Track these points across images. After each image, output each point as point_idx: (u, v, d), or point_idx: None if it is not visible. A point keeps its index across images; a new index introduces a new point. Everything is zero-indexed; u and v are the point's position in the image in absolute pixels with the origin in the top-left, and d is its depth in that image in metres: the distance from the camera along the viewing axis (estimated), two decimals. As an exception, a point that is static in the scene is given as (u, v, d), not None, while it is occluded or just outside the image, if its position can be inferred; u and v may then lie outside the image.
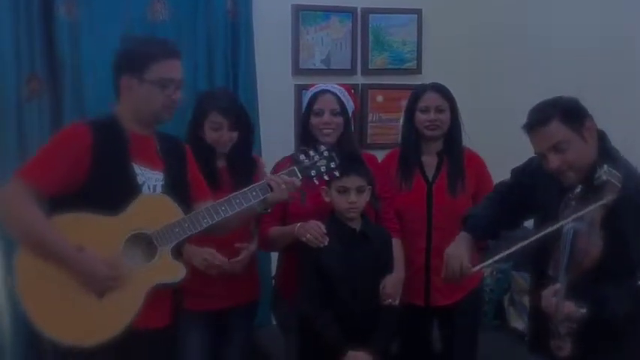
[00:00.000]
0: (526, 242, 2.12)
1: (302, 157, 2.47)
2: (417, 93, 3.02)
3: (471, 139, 3.09)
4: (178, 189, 2.30)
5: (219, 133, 2.84)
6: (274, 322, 3.21)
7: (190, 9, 3.55)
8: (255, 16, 3.69)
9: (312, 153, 2.48)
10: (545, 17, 3.68)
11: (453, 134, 3.00)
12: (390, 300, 2.72)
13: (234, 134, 2.87)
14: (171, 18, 3.52)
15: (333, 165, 2.48)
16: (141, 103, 2.24)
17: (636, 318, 2.07)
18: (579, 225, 1.97)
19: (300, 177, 2.44)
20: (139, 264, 2.20)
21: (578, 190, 2.08)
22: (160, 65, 2.22)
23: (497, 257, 2.20)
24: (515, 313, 3.52)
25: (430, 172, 3.00)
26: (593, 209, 1.98)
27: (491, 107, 3.94)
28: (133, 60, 2.23)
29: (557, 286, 1.94)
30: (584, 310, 1.91)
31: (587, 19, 3.42)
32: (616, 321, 2.00)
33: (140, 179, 2.23)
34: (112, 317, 2.13)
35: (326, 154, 2.49)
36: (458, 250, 2.38)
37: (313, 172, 2.46)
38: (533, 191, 2.33)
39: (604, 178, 2.00)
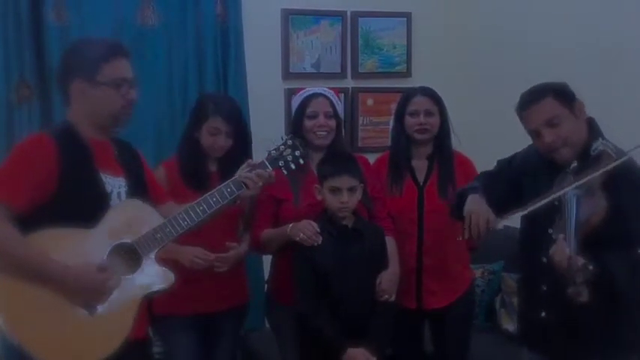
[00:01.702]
0: (527, 210, 2.15)
1: (271, 147, 2.52)
2: (406, 97, 3.02)
3: (462, 142, 3.10)
4: (140, 193, 2.25)
5: (216, 139, 2.83)
6: (267, 326, 3.21)
7: (180, 13, 3.55)
8: (244, 21, 3.69)
9: (277, 143, 2.52)
10: (536, 20, 3.69)
11: (442, 137, 3.01)
12: (386, 296, 2.73)
13: (230, 141, 2.87)
14: (160, 23, 3.52)
15: (297, 153, 2.52)
16: (97, 107, 2.15)
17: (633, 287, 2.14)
18: (580, 192, 2.06)
19: (270, 168, 2.47)
20: (125, 275, 2.13)
21: (574, 164, 2.17)
22: (110, 65, 2.14)
23: (527, 210, 2.15)
24: (506, 315, 3.53)
25: (421, 176, 3.01)
26: (595, 177, 2.07)
27: (481, 110, 3.95)
28: (81, 63, 2.14)
29: (565, 243, 2.00)
30: (591, 267, 1.95)
31: (580, 21, 3.44)
32: (616, 286, 2.05)
33: (108, 187, 2.16)
34: (109, 332, 2.06)
35: (290, 142, 2.52)
36: (480, 206, 2.29)
37: (281, 163, 2.50)
38: (519, 184, 2.37)
39: (601, 148, 2.12)
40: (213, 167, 2.89)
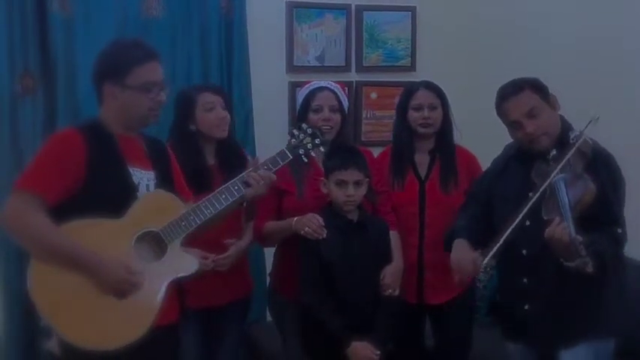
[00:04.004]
0: (524, 212, 2.25)
1: (288, 137, 2.54)
2: (410, 91, 3.01)
3: (466, 136, 3.10)
4: (168, 187, 2.31)
5: (214, 113, 2.85)
6: (269, 318, 3.22)
7: (184, 6, 3.55)
8: (249, 13, 3.69)
9: (296, 132, 2.54)
10: (541, 14, 3.68)
11: (445, 132, 3.00)
12: (390, 290, 2.74)
13: (227, 114, 2.88)
14: (165, 14, 3.51)
15: (317, 141, 2.55)
16: (126, 109, 2.22)
17: (617, 264, 2.29)
18: (565, 175, 2.19)
19: (291, 156, 2.49)
20: (152, 262, 2.19)
21: (554, 152, 2.29)
22: (141, 69, 2.20)
23: (501, 240, 2.27)
24: (508, 310, 3.53)
25: (423, 171, 3.01)
26: (572, 156, 2.21)
27: (485, 105, 3.92)
28: (113, 66, 2.21)
29: (563, 222, 2.10)
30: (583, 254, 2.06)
31: (585, 15, 3.42)
32: (602, 262, 2.14)
33: (135, 179, 2.23)
34: (136, 317, 2.13)
35: (309, 131, 2.55)
36: (462, 251, 2.43)
37: (301, 151, 2.52)
38: (494, 190, 2.50)
39: (582, 137, 2.23)
40: (211, 160, 2.91)
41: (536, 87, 2.38)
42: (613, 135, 2.45)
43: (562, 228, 2.08)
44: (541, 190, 2.23)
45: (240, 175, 2.41)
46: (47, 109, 3.32)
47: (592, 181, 2.17)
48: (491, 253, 2.30)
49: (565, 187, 2.17)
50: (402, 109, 3.01)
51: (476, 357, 3.08)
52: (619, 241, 2.27)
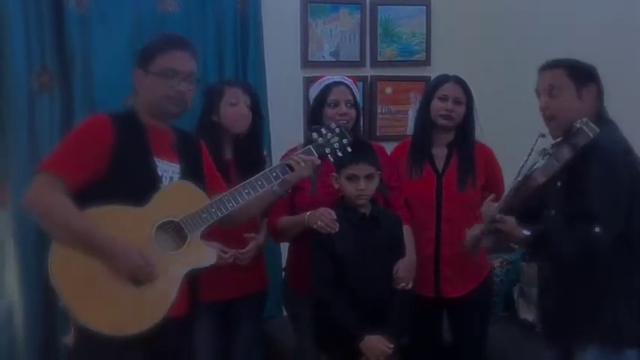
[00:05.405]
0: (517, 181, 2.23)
1: (315, 135, 2.51)
2: (438, 81, 3.02)
3: (484, 133, 3.09)
4: (194, 181, 2.32)
5: (237, 108, 2.87)
6: (285, 314, 3.23)
7: (199, 1, 3.56)
8: (264, 9, 3.69)
9: (324, 131, 2.52)
10: (557, 7, 3.66)
11: (465, 128, 3.00)
12: (403, 284, 2.74)
13: (250, 114, 2.89)
14: (180, 10, 3.52)
15: (345, 142, 2.52)
16: (147, 95, 2.28)
17: (593, 266, 2.22)
18: (545, 161, 2.17)
19: (316, 154, 2.48)
20: (171, 251, 2.22)
21: (560, 139, 2.25)
22: (164, 57, 2.26)
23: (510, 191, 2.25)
24: (524, 305, 3.52)
25: (440, 164, 3.01)
26: (560, 145, 2.19)
27: (500, 99, 3.93)
28: (141, 53, 2.31)
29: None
30: (527, 234, 2.05)
31: (601, 6, 3.40)
32: (563, 262, 2.17)
33: (159, 171, 2.25)
34: (152, 305, 2.15)
35: (337, 131, 2.52)
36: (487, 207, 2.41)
37: (328, 150, 2.50)
38: None
39: (578, 125, 2.17)
40: (228, 155, 2.92)
41: (572, 69, 2.32)
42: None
43: (491, 205, 2.12)
44: (523, 174, 2.21)
45: (279, 164, 2.43)
46: (64, 106, 3.34)
47: (560, 173, 2.16)
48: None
49: (526, 172, 2.17)
50: (427, 99, 3.01)
51: (492, 352, 3.07)
52: (592, 241, 2.15)
